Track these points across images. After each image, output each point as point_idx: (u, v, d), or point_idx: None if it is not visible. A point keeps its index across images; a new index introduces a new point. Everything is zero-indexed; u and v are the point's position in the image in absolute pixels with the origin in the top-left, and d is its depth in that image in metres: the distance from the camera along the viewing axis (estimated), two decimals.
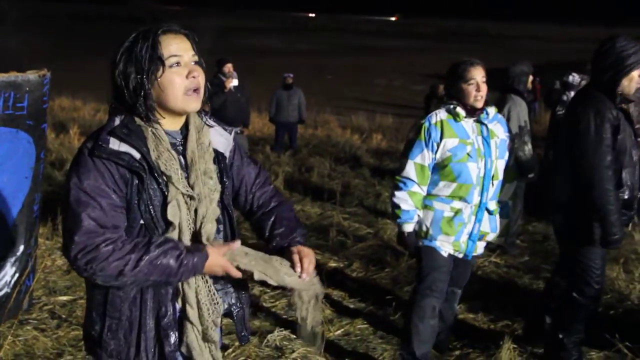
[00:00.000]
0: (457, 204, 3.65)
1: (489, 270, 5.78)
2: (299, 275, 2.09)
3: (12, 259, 3.46)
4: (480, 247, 3.86)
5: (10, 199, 3.35)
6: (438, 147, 3.62)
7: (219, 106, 8.54)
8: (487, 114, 3.68)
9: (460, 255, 3.79)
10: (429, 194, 3.72)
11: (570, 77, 7.12)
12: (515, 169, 3.93)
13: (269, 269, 2.05)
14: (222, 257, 1.97)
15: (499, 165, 3.72)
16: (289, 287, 2.11)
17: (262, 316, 4.72)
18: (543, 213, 7.21)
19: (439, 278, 3.75)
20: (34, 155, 3.44)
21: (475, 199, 3.66)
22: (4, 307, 3.42)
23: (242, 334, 2.23)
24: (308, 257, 2.13)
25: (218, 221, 2.12)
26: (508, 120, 5.94)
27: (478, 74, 3.61)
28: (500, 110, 6.04)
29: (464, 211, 3.66)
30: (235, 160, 2.26)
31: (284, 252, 2.16)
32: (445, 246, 3.72)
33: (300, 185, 9.20)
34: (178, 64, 1.96)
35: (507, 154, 3.78)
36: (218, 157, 2.13)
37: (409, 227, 3.73)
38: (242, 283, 2.21)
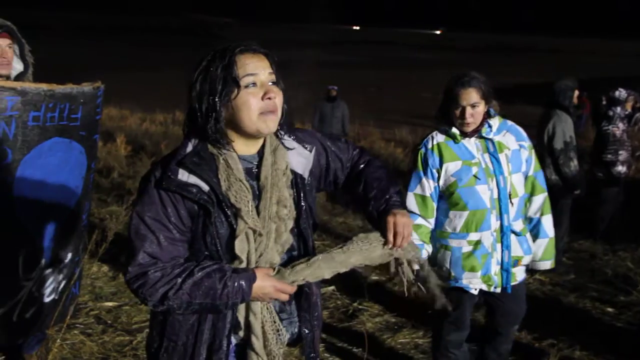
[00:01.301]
0: (474, 236, 3.30)
1: (534, 288, 5.69)
2: (390, 248, 2.03)
3: (60, 267, 3.53)
4: (519, 274, 3.44)
5: (60, 207, 3.42)
6: (439, 173, 3.33)
7: None
8: (490, 126, 3.33)
9: (498, 290, 3.38)
10: (442, 232, 3.38)
11: (617, 93, 7.00)
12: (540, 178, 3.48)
13: (332, 263, 1.97)
14: (271, 277, 1.91)
15: (515, 181, 3.32)
16: (374, 264, 2.05)
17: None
18: (590, 230, 7.10)
19: (464, 315, 3.50)
20: (85, 165, 3.52)
21: (494, 224, 3.29)
22: (52, 313, 3.50)
23: (311, 355, 2.15)
24: (401, 224, 2.03)
25: (292, 248, 2.06)
26: (553, 135, 5.87)
27: (467, 98, 3.25)
28: (545, 126, 5.99)
29: (484, 241, 3.29)
30: (323, 165, 2.18)
31: (381, 219, 2.07)
32: (473, 283, 3.36)
33: (343, 197, 9.20)
34: (254, 84, 1.88)
35: (523, 165, 3.37)
36: (296, 179, 2.05)
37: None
38: (313, 306, 2.13)
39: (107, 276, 5.39)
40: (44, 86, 3.16)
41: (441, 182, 3.33)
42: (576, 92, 6.12)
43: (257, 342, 1.97)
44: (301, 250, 2.08)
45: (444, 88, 3.37)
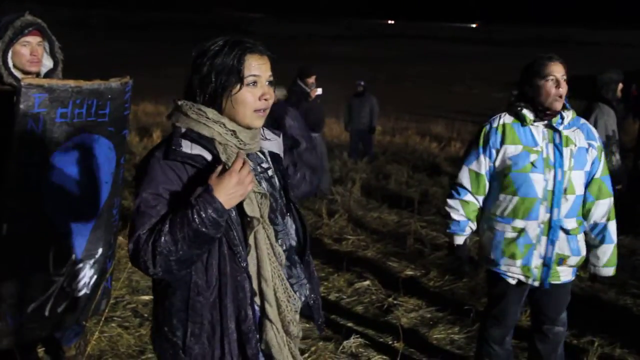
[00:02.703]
0: (519, 223, 3.24)
1: (572, 284, 5.58)
2: None
3: (91, 262, 3.55)
4: (563, 274, 3.34)
5: (90, 203, 3.44)
6: (497, 153, 3.27)
7: (302, 114, 8.62)
8: (562, 118, 3.24)
9: (536, 283, 3.31)
10: (489, 213, 3.35)
11: None
12: (608, 183, 3.37)
13: None
14: (223, 174, 1.92)
15: (574, 177, 3.22)
16: None
17: (338, 322, 4.72)
18: (631, 226, 6.95)
19: (506, 310, 3.42)
20: (115, 161, 3.54)
21: (543, 215, 3.21)
22: (85, 307, 3.54)
23: (319, 321, 2.33)
24: None
25: (290, 216, 2.26)
26: (595, 129, 5.75)
27: (558, 70, 3.20)
28: (587, 119, 5.87)
29: (529, 231, 3.23)
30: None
31: None
32: (512, 271, 3.30)
33: (378, 192, 9.18)
34: (255, 83, 2.04)
35: (588, 165, 3.28)
36: (275, 158, 2.27)
37: (459, 239, 3.47)
38: (312, 274, 2.32)
39: None
40: (71, 83, 3.16)
41: (497, 163, 3.28)
42: (620, 85, 5.98)
43: (270, 310, 2.05)
44: (296, 219, 2.29)
45: (522, 70, 3.33)
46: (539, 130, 3.25)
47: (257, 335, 2.05)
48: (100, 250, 3.57)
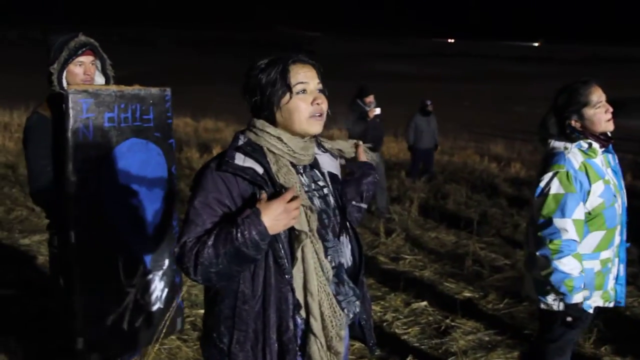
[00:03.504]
0: (605, 254, 3.14)
1: (638, 312, 5.41)
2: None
3: (160, 273, 3.57)
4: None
5: (148, 210, 3.47)
6: (588, 195, 3.06)
7: (360, 133, 8.63)
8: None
9: (611, 305, 3.22)
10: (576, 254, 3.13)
11: None
12: None
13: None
14: (272, 200, 1.98)
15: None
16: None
17: (394, 342, 4.68)
18: None
19: (574, 339, 3.32)
20: (166, 168, 3.57)
21: (617, 239, 3.18)
22: (160, 323, 3.55)
23: (371, 343, 2.36)
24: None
25: (344, 233, 2.28)
26: None
27: (602, 94, 3.10)
28: None
29: (611, 257, 3.18)
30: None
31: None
32: (596, 301, 3.18)
33: (436, 212, 9.09)
34: (304, 91, 2.10)
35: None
36: (333, 179, 2.33)
37: (584, 294, 3.08)
38: (366, 295, 2.35)
39: None
40: (113, 87, 3.29)
41: (588, 205, 3.07)
42: None
43: (315, 324, 2.07)
44: (352, 238, 2.32)
45: (564, 100, 3.14)
46: (600, 158, 3.15)
47: (297, 348, 2.09)
48: (167, 262, 3.60)
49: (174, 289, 3.68)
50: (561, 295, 3.05)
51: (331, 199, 2.26)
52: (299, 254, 2.05)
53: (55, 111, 3.24)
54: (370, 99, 8.82)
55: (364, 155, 2.62)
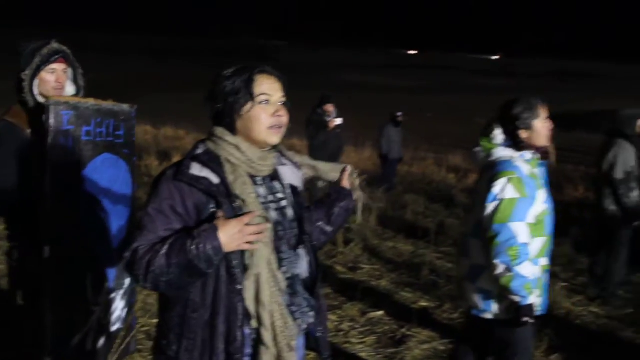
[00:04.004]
0: (543, 261, 3.23)
1: (588, 321, 5.53)
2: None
3: (122, 292, 3.49)
4: None
5: (116, 226, 3.41)
6: (535, 201, 3.17)
7: (320, 143, 8.67)
8: None
9: (540, 312, 3.27)
10: None
11: None
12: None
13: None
14: (232, 219, 2.01)
15: None
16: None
17: (350, 352, 4.70)
18: None
19: (531, 349, 3.40)
20: (131, 185, 3.55)
21: (550, 247, 3.30)
22: (118, 343, 3.48)
23: (325, 355, 2.37)
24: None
25: (301, 246, 2.30)
26: (614, 165, 5.73)
27: (547, 111, 3.29)
28: (605, 155, 5.86)
29: (547, 265, 3.29)
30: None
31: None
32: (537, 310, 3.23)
33: (394, 222, 9.16)
34: (267, 101, 2.14)
35: None
36: (294, 191, 2.32)
37: (537, 294, 3.17)
38: (322, 307, 2.37)
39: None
40: (91, 101, 3.25)
41: (534, 211, 3.17)
42: None
43: (266, 334, 2.09)
44: (310, 251, 2.32)
45: (514, 112, 3.25)
46: (537, 169, 3.31)
47: (245, 359, 2.10)
48: (127, 281, 3.53)
49: (131, 308, 3.63)
50: (518, 299, 3.08)
51: (289, 211, 2.27)
52: (250, 263, 2.06)
53: (32, 122, 3.16)
54: (329, 107, 8.87)
55: (347, 182, 2.62)
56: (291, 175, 2.34)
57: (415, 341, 4.90)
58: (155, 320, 4.83)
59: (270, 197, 2.22)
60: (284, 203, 2.26)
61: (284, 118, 2.17)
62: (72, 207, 3.14)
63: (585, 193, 12.01)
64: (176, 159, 12.96)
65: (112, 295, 3.44)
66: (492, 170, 3.23)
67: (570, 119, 31.50)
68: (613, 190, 5.78)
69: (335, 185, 2.60)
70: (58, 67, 3.29)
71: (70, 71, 3.40)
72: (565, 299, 5.88)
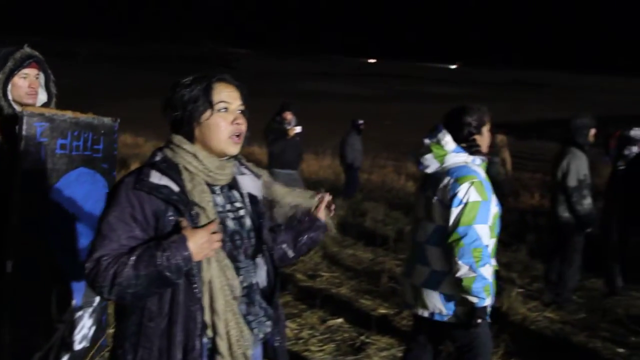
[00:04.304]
0: (493, 261, 3.32)
1: (543, 326, 5.63)
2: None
3: (90, 310, 3.40)
4: None
5: (84, 245, 3.28)
6: (492, 203, 3.29)
7: (280, 151, 8.66)
8: None
9: None
10: None
11: (632, 132, 6.96)
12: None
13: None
14: (200, 228, 2.02)
15: None
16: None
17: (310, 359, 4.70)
18: (601, 269, 7.03)
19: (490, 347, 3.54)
20: None
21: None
22: None
23: None
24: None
25: (259, 255, 2.29)
26: (567, 173, 5.86)
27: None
28: (559, 163, 5.99)
29: (496, 265, 3.39)
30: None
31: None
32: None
33: (354, 229, 9.19)
34: (226, 109, 2.14)
35: None
36: (253, 200, 2.31)
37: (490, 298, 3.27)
38: (280, 316, 2.36)
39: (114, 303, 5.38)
40: (69, 114, 3.15)
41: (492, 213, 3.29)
42: (593, 130, 6.10)
43: (221, 343, 2.07)
44: (268, 260, 2.32)
45: (470, 118, 3.38)
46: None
47: None
48: (97, 299, 3.44)
49: (100, 327, 3.54)
50: (476, 301, 3.16)
51: (247, 221, 2.26)
52: (204, 274, 2.05)
53: (5, 128, 3.05)
54: (288, 115, 8.88)
55: (323, 212, 2.57)
56: (250, 184, 2.33)
57: (375, 348, 4.92)
58: (110, 331, 4.79)
59: (228, 206, 2.21)
60: (242, 212, 2.25)
61: (243, 126, 2.17)
62: (40, 222, 3.05)
63: (541, 200, 12.23)
64: (135, 166, 12.81)
65: (80, 312, 3.35)
66: (448, 176, 3.30)
67: (526, 127, 32.07)
68: (566, 198, 5.90)
69: (309, 213, 2.56)
70: (30, 72, 3.20)
71: (42, 77, 3.32)
72: (521, 304, 5.98)
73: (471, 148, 3.37)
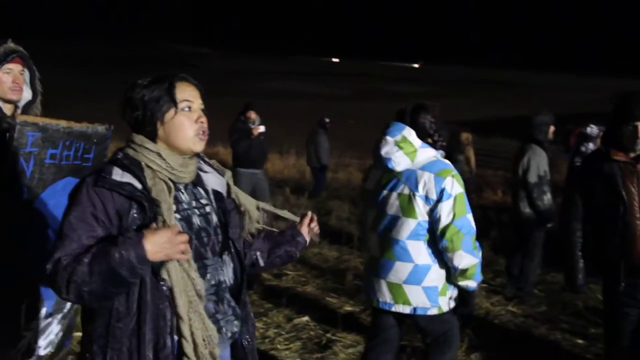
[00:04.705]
0: None
1: (505, 320, 5.73)
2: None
3: (59, 316, 3.34)
4: None
5: None
6: None
7: (244, 150, 8.64)
8: None
9: None
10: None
11: (589, 129, 7.14)
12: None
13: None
14: (162, 229, 1.99)
15: None
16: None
17: (276, 358, 4.71)
18: (562, 263, 7.18)
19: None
20: None
21: None
22: None
23: None
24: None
25: (226, 252, 2.28)
26: (527, 169, 5.97)
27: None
28: (520, 160, 6.10)
29: None
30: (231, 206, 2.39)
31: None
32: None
33: (319, 228, 9.19)
34: (189, 108, 2.16)
35: None
36: (217, 197, 2.31)
37: None
38: (249, 315, 2.36)
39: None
40: (63, 123, 3.08)
41: None
42: (552, 127, 6.23)
43: (186, 344, 2.05)
44: (235, 258, 2.31)
45: (434, 116, 3.52)
46: None
47: None
48: (68, 305, 3.40)
49: (68, 331, 3.50)
50: (473, 285, 3.44)
51: (213, 217, 2.26)
52: (164, 275, 2.03)
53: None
54: (252, 114, 8.87)
55: (306, 229, 2.62)
56: (214, 181, 2.33)
57: (341, 345, 4.96)
58: (76, 334, 4.72)
59: (194, 203, 2.21)
60: (208, 209, 2.25)
61: (206, 124, 2.19)
62: (21, 231, 3.01)
63: (503, 197, 12.42)
64: None
65: (49, 319, 3.31)
66: (426, 172, 3.35)
67: (488, 125, 32.45)
68: (527, 194, 6.02)
69: (294, 228, 2.60)
70: (14, 67, 3.14)
71: (27, 74, 3.26)
72: (484, 299, 6.09)
73: (436, 143, 3.46)
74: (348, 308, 5.85)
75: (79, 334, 4.65)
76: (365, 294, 3.72)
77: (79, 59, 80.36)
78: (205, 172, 2.33)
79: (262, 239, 2.53)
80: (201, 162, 2.33)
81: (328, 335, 5.14)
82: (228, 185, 2.40)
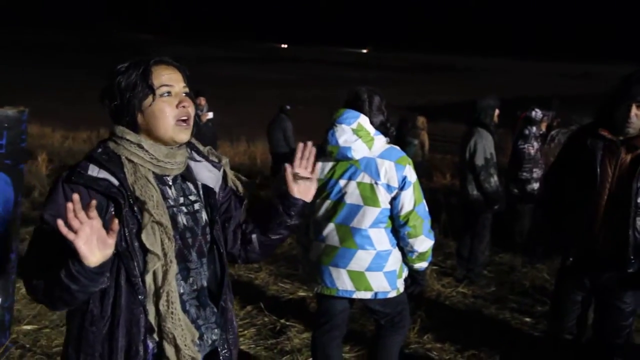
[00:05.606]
0: None
1: (456, 301, 5.84)
2: None
3: None
4: None
5: None
6: None
7: (193, 137, 8.56)
8: None
9: None
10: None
11: (533, 113, 7.30)
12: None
13: None
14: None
15: None
16: None
17: None
18: (509, 244, 7.36)
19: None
20: (12, 199, 3.23)
21: None
22: None
23: None
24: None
25: (207, 253, 2.12)
26: (474, 152, 6.07)
27: None
28: (466, 143, 6.20)
29: None
30: (225, 200, 2.26)
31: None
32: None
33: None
34: (169, 93, 1.99)
35: None
36: (207, 192, 2.15)
37: None
38: (230, 322, 2.21)
39: (27, 298, 5.20)
40: None
41: None
42: (497, 111, 6.35)
43: (168, 347, 1.96)
44: (216, 259, 2.15)
45: (384, 103, 3.53)
46: None
47: None
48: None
49: (3, 327, 3.40)
50: (425, 265, 3.57)
51: (202, 216, 2.12)
52: (148, 278, 1.93)
53: None
54: (201, 101, 8.79)
55: (293, 183, 2.29)
56: (207, 174, 2.15)
57: (295, 331, 4.98)
58: (25, 327, 4.65)
59: (182, 200, 2.07)
60: (197, 206, 2.11)
61: (190, 108, 2.02)
62: None
63: (452, 180, 12.60)
64: (42, 157, 12.35)
65: None
66: (386, 160, 3.36)
67: (435, 109, 32.88)
68: (474, 177, 6.13)
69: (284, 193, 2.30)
70: None
71: None
72: (435, 281, 6.19)
73: (387, 130, 3.49)
74: (302, 294, 5.87)
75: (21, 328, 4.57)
76: (315, 282, 3.63)
77: (21, 46, 78.03)
78: (197, 161, 2.16)
79: (256, 211, 2.33)
80: (193, 152, 2.17)
81: (282, 321, 5.16)
82: (225, 173, 2.24)
